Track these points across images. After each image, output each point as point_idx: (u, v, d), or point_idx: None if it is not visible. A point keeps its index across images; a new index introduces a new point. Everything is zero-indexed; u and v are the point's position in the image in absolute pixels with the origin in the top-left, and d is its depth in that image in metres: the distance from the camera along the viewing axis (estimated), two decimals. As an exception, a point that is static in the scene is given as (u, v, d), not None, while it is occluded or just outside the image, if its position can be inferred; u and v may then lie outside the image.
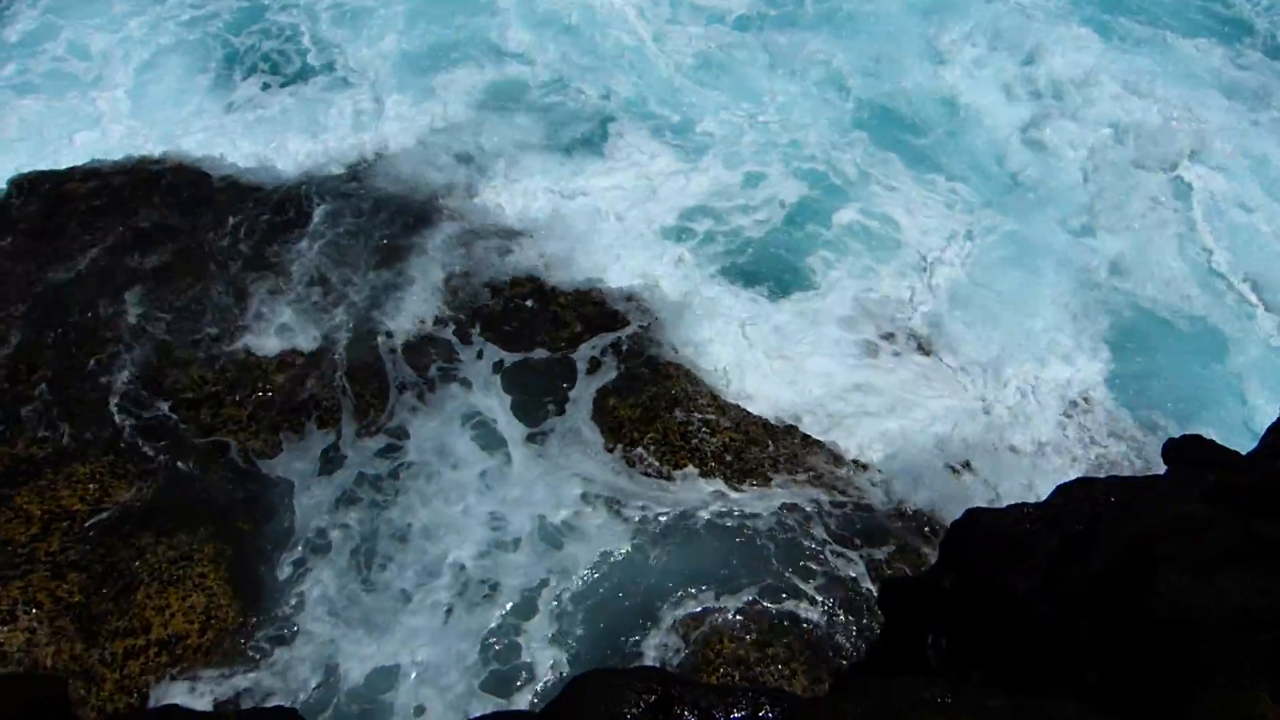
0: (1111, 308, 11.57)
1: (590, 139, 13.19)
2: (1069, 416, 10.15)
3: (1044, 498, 4.98)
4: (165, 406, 8.86)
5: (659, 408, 9.21)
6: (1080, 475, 6.01)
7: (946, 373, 10.39)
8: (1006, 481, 9.37)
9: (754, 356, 10.11)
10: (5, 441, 8.44)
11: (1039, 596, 4.24)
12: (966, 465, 9.52)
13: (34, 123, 12.86)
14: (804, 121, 13.72)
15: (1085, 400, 10.39)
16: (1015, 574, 4.39)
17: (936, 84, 14.66)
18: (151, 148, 11.86)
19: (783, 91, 14.27)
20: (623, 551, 8.22)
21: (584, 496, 8.57)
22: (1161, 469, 4.98)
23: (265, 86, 13.80)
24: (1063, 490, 4.85)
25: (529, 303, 10.15)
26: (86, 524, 7.99)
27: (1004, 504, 6.51)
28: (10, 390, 8.82)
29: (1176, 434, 5.63)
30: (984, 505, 6.53)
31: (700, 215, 12.15)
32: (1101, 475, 5.65)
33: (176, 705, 5.85)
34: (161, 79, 13.69)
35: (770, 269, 11.58)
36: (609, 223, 11.64)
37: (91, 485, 8.23)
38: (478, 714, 6.83)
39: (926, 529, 8.85)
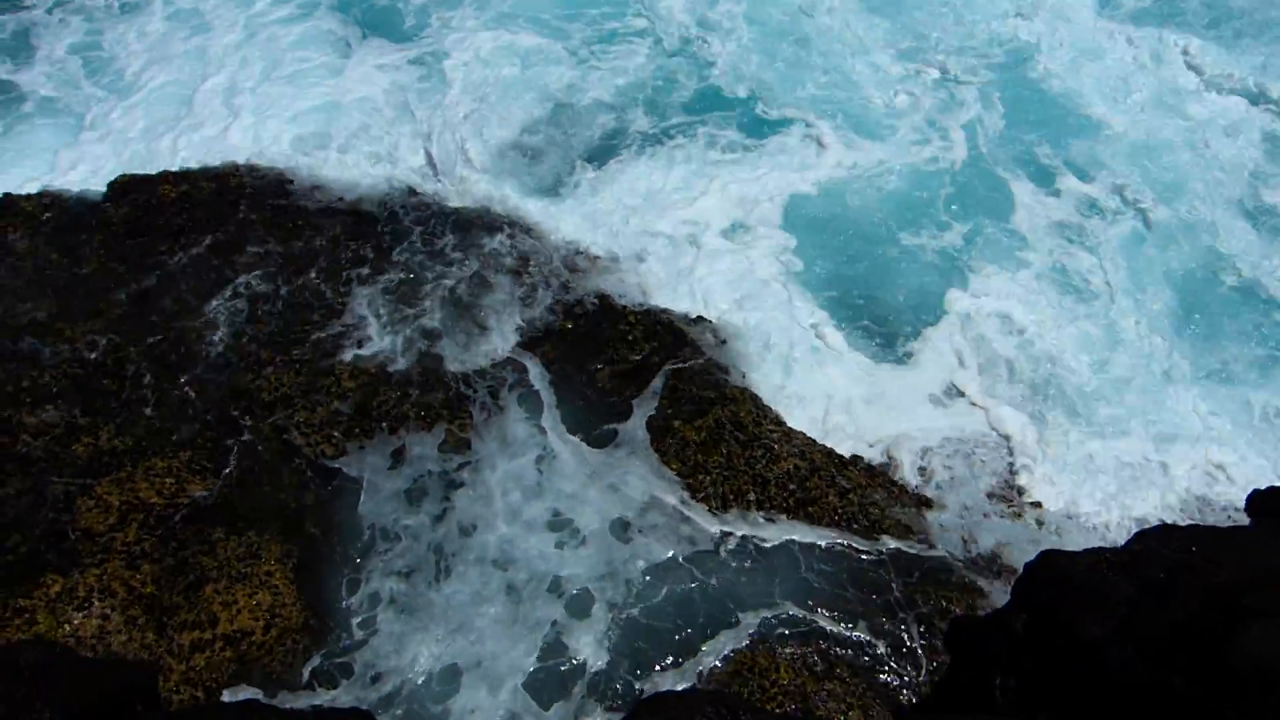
0: (1205, 347, 11.21)
1: (681, 143, 13.05)
2: (1146, 463, 9.91)
3: (1122, 543, 4.89)
4: (241, 407, 9.08)
5: (723, 431, 9.20)
6: (1160, 522, 5.89)
7: (1024, 412, 10.20)
8: (1077, 524, 9.18)
9: (823, 384, 10.04)
10: (90, 434, 8.72)
11: (1113, 642, 4.17)
12: (1036, 506, 9.36)
13: (133, 116, 13.22)
14: (921, 128, 13.51)
15: (1166, 446, 10.12)
16: (1090, 618, 4.32)
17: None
18: (246, 150, 12.19)
19: (906, 91, 14.10)
20: (679, 570, 8.22)
21: (643, 512, 8.59)
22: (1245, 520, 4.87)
23: (372, 50, 13.94)
24: (1142, 536, 4.76)
25: (597, 321, 10.22)
26: (161, 517, 8.22)
27: (1074, 548, 6.40)
28: (97, 385, 9.12)
29: (1261, 485, 5.50)
30: (1058, 548, 6.42)
31: (776, 233, 11.98)
32: (1181, 523, 5.53)
33: (255, 700, 5.96)
34: (259, 62, 13.98)
35: (852, 290, 11.40)
36: (682, 242, 11.61)
37: (168, 480, 8.47)
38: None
39: (991, 569, 8.70)
